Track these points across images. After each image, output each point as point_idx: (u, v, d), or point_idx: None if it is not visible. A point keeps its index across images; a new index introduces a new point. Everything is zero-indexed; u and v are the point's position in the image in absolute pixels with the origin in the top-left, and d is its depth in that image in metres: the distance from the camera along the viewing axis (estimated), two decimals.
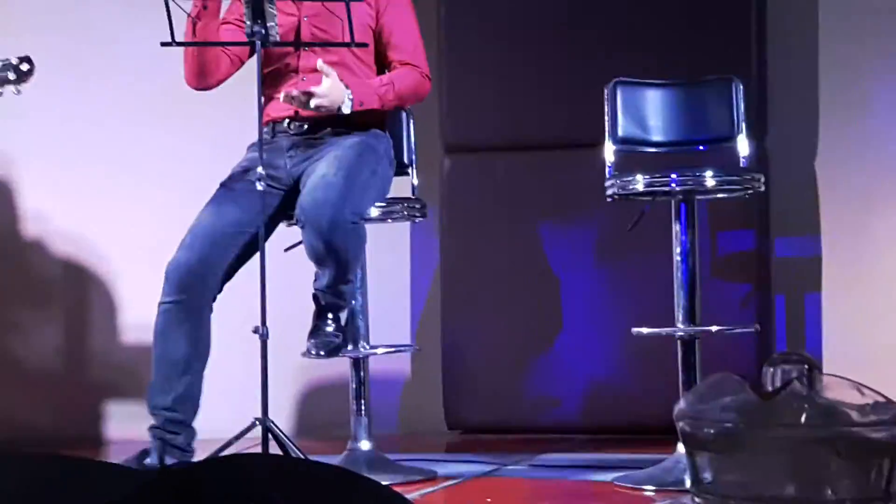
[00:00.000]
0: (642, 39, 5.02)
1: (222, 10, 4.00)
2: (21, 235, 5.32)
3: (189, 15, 3.83)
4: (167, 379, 3.82)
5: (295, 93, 3.78)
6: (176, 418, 3.81)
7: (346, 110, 3.84)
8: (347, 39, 3.75)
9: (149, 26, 3.86)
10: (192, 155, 5.09)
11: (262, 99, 3.87)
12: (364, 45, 3.92)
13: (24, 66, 3.84)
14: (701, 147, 4.39)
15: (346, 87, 3.84)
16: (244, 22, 3.74)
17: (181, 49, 3.88)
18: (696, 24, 5.06)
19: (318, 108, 3.81)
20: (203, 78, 4.04)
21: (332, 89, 3.79)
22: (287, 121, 4.04)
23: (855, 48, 5.15)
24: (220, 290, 3.91)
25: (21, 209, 5.34)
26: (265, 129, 3.88)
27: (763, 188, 4.14)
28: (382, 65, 4.13)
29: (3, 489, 1.52)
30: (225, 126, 4.60)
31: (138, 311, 4.89)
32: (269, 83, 3.98)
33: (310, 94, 3.75)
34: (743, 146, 4.20)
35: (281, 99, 3.85)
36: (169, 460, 3.75)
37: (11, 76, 3.83)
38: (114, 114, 5.34)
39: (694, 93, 4.40)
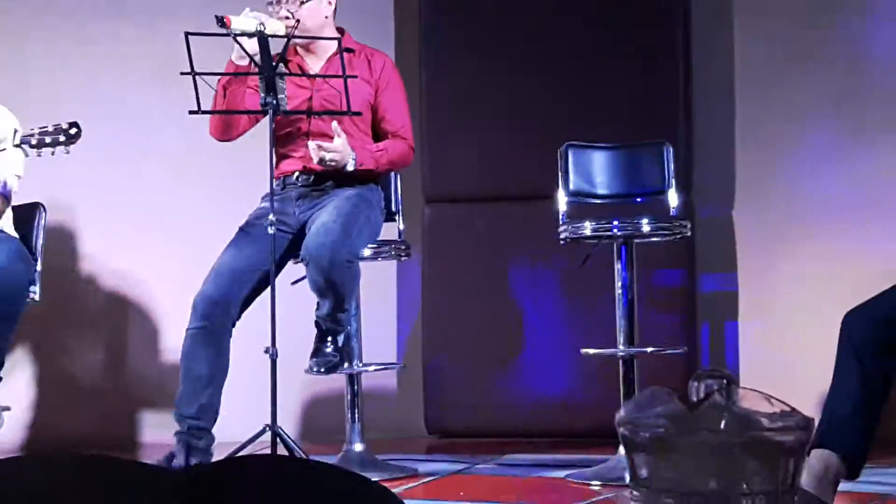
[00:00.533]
0: (592, 109, 5.06)
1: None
2: (74, 270, 5.35)
3: (219, 82, 3.99)
4: (192, 392, 3.91)
5: (314, 146, 3.90)
6: (199, 426, 3.90)
7: (350, 168, 3.96)
8: (352, 112, 3.91)
9: (181, 95, 3.88)
10: (215, 204, 5.13)
11: (274, 157, 3.98)
12: (359, 113, 4.01)
13: (73, 130, 3.97)
14: (638, 199, 4.52)
15: (352, 149, 3.97)
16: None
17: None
18: (635, 96, 5.12)
19: (329, 161, 3.93)
20: (226, 132, 4.16)
21: (342, 148, 3.92)
22: (296, 175, 4.14)
23: (768, 113, 5.28)
24: (238, 318, 3.98)
25: (75, 248, 5.38)
26: (276, 182, 3.99)
27: (689, 233, 4.31)
28: (377, 133, 4.24)
29: (55, 485, 1.51)
30: (243, 179, 4.56)
31: (170, 336, 5.10)
32: (281, 143, 4.10)
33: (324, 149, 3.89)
34: (672, 198, 4.37)
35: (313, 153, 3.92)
36: (193, 461, 3.85)
37: (62, 139, 3.95)
38: (152, 169, 5.41)
39: (632, 154, 4.54)
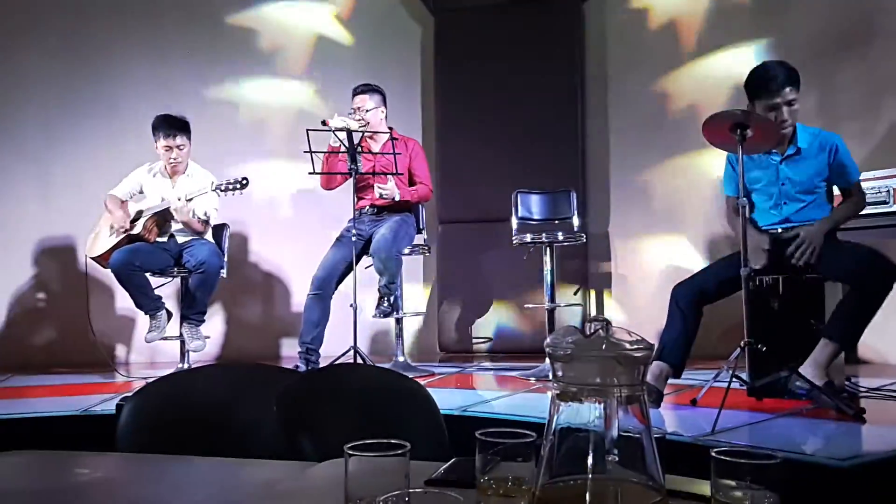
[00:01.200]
0: (532, 164, 4.90)
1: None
2: (244, 261, 5.25)
3: (324, 156, 3.98)
4: (308, 330, 3.91)
5: (378, 187, 3.93)
6: (312, 348, 3.89)
7: (396, 199, 3.97)
8: (397, 173, 3.95)
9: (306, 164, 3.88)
10: (324, 223, 4.72)
11: (356, 197, 3.98)
12: (401, 174, 4.03)
13: (244, 181, 3.91)
14: (556, 221, 4.44)
15: (397, 189, 3.99)
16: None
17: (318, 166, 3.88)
18: (555, 161, 4.95)
19: (384, 195, 3.96)
20: (328, 185, 4.13)
21: (392, 187, 3.94)
22: (367, 208, 4.12)
23: (629, 164, 5.08)
24: (336, 289, 3.98)
25: (244, 248, 5.28)
26: (356, 212, 3.99)
27: (584, 240, 4.25)
28: (412, 181, 4.17)
29: (234, 378, 1.44)
30: (338, 211, 4.24)
31: (298, 296, 4.95)
32: (359, 190, 4.07)
33: (384, 187, 3.93)
34: (575, 222, 4.36)
35: (375, 191, 3.96)
36: (310, 367, 3.81)
37: (238, 186, 3.90)
38: (288, 204, 5.34)
39: (553, 196, 4.47)
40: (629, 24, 5.18)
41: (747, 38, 4.80)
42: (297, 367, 3.89)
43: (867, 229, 3.54)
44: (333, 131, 3.84)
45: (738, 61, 4.66)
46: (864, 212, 3.19)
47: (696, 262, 4.66)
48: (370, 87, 4.19)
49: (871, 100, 4.39)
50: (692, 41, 5.00)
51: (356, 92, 4.17)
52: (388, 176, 4.04)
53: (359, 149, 3.89)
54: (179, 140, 4.11)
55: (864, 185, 3.17)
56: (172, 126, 4.11)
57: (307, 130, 3.72)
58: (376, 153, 4.14)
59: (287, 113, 5.38)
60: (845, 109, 4.43)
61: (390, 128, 4.22)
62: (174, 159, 4.13)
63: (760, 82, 2.94)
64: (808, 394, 2.68)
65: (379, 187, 3.95)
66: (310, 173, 3.87)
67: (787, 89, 2.89)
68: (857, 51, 4.44)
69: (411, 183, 4.21)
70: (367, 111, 4.09)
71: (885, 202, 3.64)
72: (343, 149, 3.88)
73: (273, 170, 5.28)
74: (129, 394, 1.36)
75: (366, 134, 4.01)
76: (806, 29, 4.59)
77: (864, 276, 2.68)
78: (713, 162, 3.69)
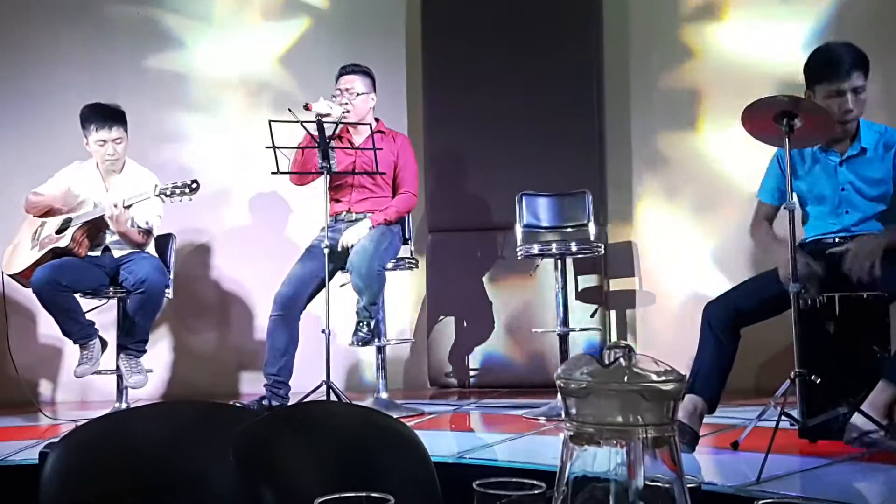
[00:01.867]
0: (539, 166, 4.87)
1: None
2: (194, 277, 5.21)
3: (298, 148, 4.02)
4: (274, 359, 3.93)
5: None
6: (279, 381, 3.91)
7: (368, 226, 4.02)
8: (378, 172, 3.97)
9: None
10: (290, 233, 5.08)
11: (330, 201, 4.04)
12: (383, 173, 4.05)
13: (194, 185, 3.90)
14: (569, 229, 4.51)
15: (365, 214, 4.08)
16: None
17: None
18: (567, 159, 4.90)
19: (347, 244, 3.98)
20: (301, 181, 4.17)
21: (355, 230, 4.00)
22: (344, 213, 4.16)
23: (658, 166, 5.07)
24: (304, 308, 4.01)
25: (194, 262, 5.24)
26: (330, 219, 4.04)
27: (602, 252, 4.24)
28: (395, 185, 4.21)
29: (181, 421, 1.40)
30: (308, 215, 4.51)
31: (259, 320, 5.07)
32: (333, 190, 4.13)
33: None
34: (591, 230, 4.41)
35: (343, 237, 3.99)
36: (275, 404, 3.84)
37: (187, 191, 3.90)
38: (246, 208, 5.32)
39: (565, 199, 4.53)
40: (655, 8, 5.20)
41: (797, 29, 4.81)
42: (261, 400, 3.92)
43: None
44: (303, 124, 3.84)
45: (785, 56, 4.67)
46: None
47: (734, 277, 4.64)
48: (361, 67, 4.20)
49: None
50: (730, 30, 5.02)
51: (345, 71, 4.19)
52: (367, 182, 4.09)
53: (331, 143, 3.90)
54: (115, 132, 4.11)
55: None
56: (106, 116, 4.11)
57: (269, 122, 3.74)
58: (357, 147, 4.14)
59: (244, 86, 5.40)
60: None
61: (377, 119, 4.24)
62: (110, 156, 4.13)
63: (823, 65, 2.97)
64: (870, 437, 2.68)
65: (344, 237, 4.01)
66: (273, 173, 3.86)
67: (855, 74, 2.91)
68: None
69: (394, 186, 4.23)
70: (358, 95, 4.11)
71: None
72: (315, 141, 3.89)
73: (228, 165, 5.26)
74: (56, 439, 1.32)
75: (346, 124, 4.04)
76: (868, 11, 4.62)
77: None
78: (755, 162, 3.69)
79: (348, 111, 4.00)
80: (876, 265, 2.80)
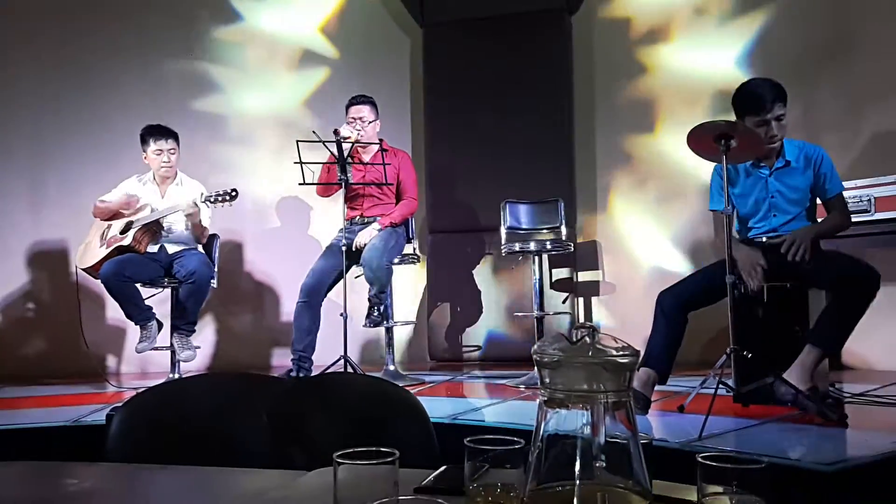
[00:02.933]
0: (520, 178, 4.85)
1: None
2: (235, 270, 5.21)
3: (324, 165, 4.03)
4: (300, 338, 3.91)
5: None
6: (304, 356, 3.90)
7: (377, 227, 4.01)
8: (387, 183, 4.00)
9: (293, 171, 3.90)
10: (312, 234, 5.11)
11: (346, 208, 4.05)
12: (391, 184, 4.07)
13: (234, 192, 3.92)
14: (545, 231, 4.47)
15: (377, 217, 4.05)
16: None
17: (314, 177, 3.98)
18: (544, 171, 4.89)
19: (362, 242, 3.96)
20: (326, 192, 4.14)
21: (368, 232, 3.98)
22: (357, 217, 4.13)
23: (617, 184, 5.09)
24: (325, 296, 3.99)
25: (235, 258, 5.25)
26: (346, 221, 4.04)
27: (572, 249, 4.30)
28: (399, 193, 4.18)
29: (224, 388, 1.41)
30: (329, 220, 4.53)
31: (287, 305, 4.99)
32: (349, 199, 4.11)
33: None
34: (563, 231, 4.39)
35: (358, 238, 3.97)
36: (301, 375, 3.81)
37: (227, 198, 3.91)
38: (276, 213, 5.32)
39: (541, 205, 4.49)
40: (615, 36, 5.18)
41: (730, 49, 4.83)
42: (289, 372, 3.90)
43: (850, 237, 3.57)
44: (325, 143, 3.83)
45: (721, 71, 4.75)
46: None
47: (682, 269, 4.67)
48: (367, 98, 4.21)
49: (851, 110, 4.44)
50: (676, 51, 5.03)
51: (355, 101, 4.18)
52: (375, 191, 4.10)
53: (349, 160, 3.90)
54: (170, 144, 4.14)
55: (846, 194, 3.18)
56: (163, 131, 4.14)
57: (297, 142, 3.75)
58: (366, 163, 4.14)
59: (276, 124, 5.36)
60: (827, 120, 4.47)
61: (380, 139, 4.22)
62: (165, 163, 4.13)
63: (748, 100, 2.97)
64: (793, 400, 2.68)
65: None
66: (300, 184, 3.87)
67: (776, 105, 2.92)
68: (838, 61, 4.49)
69: (398, 194, 4.23)
70: (369, 122, 4.12)
71: (866, 210, 3.69)
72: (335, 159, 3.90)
73: (262, 180, 5.28)
74: (119, 404, 1.34)
75: (358, 145, 4.03)
76: (787, 41, 4.64)
77: (847, 284, 2.70)
78: (699, 171, 3.69)
79: (361, 135, 4.02)
80: (808, 249, 2.81)
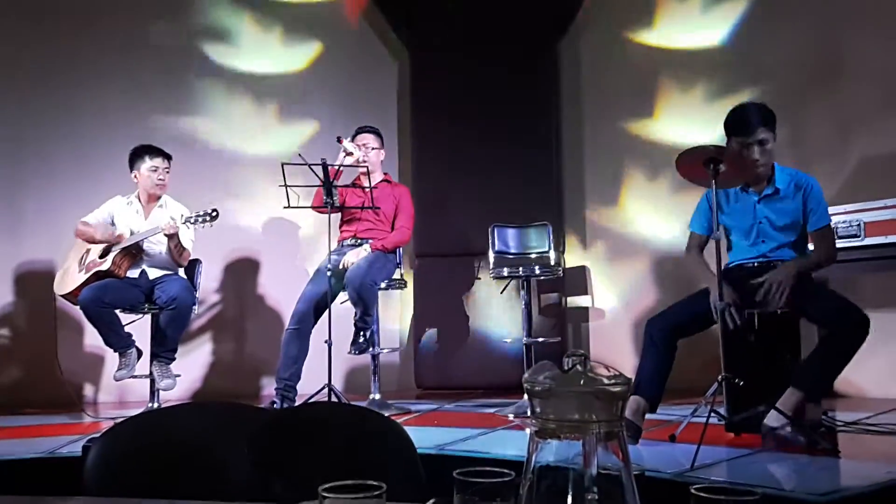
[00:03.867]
0: (507, 200, 4.92)
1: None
2: (221, 296, 5.18)
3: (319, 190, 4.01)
4: (287, 366, 3.89)
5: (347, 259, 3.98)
6: (290, 385, 3.88)
7: (368, 250, 4.03)
8: (374, 207, 3.99)
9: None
10: (298, 260, 5.06)
11: (340, 230, 4.17)
12: (378, 208, 4.05)
13: (214, 213, 3.89)
14: (533, 255, 4.50)
15: (369, 239, 4.08)
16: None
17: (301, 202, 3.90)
18: (532, 196, 4.98)
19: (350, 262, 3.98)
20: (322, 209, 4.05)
21: (357, 253, 4.01)
22: (349, 239, 4.17)
23: (604, 209, 5.18)
24: (315, 323, 3.97)
25: (219, 283, 5.21)
26: (338, 243, 4.12)
27: (561, 274, 4.35)
28: (394, 225, 4.22)
29: (202, 419, 1.39)
30: (316, 246, 4.47)
31: (272, 333, 4.87)
32: (344, 222, 4.18)
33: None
34: (552, 256, 4.44)
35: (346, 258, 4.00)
36: (286, 405, 3.80)
37: (208, 219, 3.89)
38: (262, 235, 5.22)
39: (530, 230, 4.53)
40: (604, 62, 5.27)
41: (721, 77, 4.91)
42: (273, 403, 3.87)
43: (839, 263, 3.59)
44: (310, 167, 3.86)
45: (712, 98, 4.82)
46: (837, 245, 3.21)
47: (672, 295, 4.66)
48: (374, 129, 4.34)
49: (840, 136, 4.50)
50: (667, 78, 5.11)
51: (362, 130, 4.33)
52: (371, 216, 4.14)
53: (335, 183, 3.93)
54: (165, 163, 4.16)
55: (835, 219, 3.21)
56: (158, 150, 4.17)
57: (282, 164, 3.76)
58: (366, 188, 4.15)
59: (262, 147, 5.35)
60: (816, 145, 4.53)
61: (385, 172, 4.33)
62: (160, 180, 4.14)
63: (736, 121, 3.01)
64: (776, 436, 2.68)
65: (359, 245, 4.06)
66: (285, 207, 3.86)
67: (761, 129, 2.95)
68: (826, 88, 4.56)
69: (393, 223, 4.27)
70: (372, 149, 4.25)
71: (856, 235, 3.72)
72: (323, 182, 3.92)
73: (247, 203, 5.25)
74: (97, 435, 1.32)
75: (362, 172, 4.16)
76: (778, 68, 4.71)
77: (836, 329, 2.70)
78: (687, 196, 3.72)
79: (365, 161, 4.11)
80: (786, 292, 2.81)
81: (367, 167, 4.14)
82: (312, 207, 4.15)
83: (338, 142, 4.00)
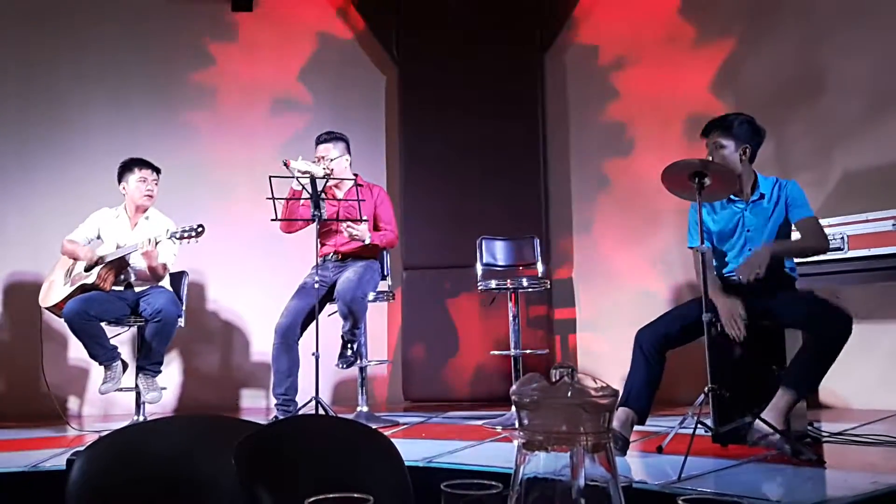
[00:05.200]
0: (494, 213, 4.99)
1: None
2: (203, 309, 5.18)
3: (285, 202, 4.00)
4: (280, 381, 3.87)
5: (345, 226, 3.93)
6: (287, 399, 3.85)
7: (367, 241, 3.99)
8: (361, 219, 3.96)
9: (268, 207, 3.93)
10: (288, 271, 4.86)
11: (319, 244, 3.97)
12: (366, 220, 4.00)
13: (200, 229, 3.83)
14: (521, 267, 4.49)
15: (368, 232, 4.01)
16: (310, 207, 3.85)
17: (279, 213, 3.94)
18: (519, 208, 5.05)
19: (355, 236, 3.94)
20: (288, 229, 4.12)
21: (363, 229, 3.95)
22: (331, 254, 4.13)
23: (592, 220, 5.21)
24: (300, 336, 3.94)
25: (203, 296, 5.20)
26: (320, 259, 4.00)
27: (549, 286, 4.28)
28: (377, 227, 4.16)
29: (188, 432, 1.37)
30: (301, 256, 4.33)
31: (258, 345, 5.05)
32: (322, 236, 4.08)
33: (355, 228, 3.92)
34: (539, 268, 4.40)
35: (345, 231, 3.95)
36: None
37: (193, 234, 3.83)
38: (248, 251, 5.14)
39: (517, 243, 4.50)
40: (589, 73, 5.31)
41: (705, 86, 4.95)
42: (275, 418, 3.80)
43: (823, 275, 3.62)
44: (296, 177, 3.85)
45: (697, 108, 4.82)
46: (819, 258, 3.24)
47: (659, 307, 4.68)
48: (333, 135, 4.22)
49: (823, 149, 4.53)
50: (652, 88, 5.13)
51: (319, 141, 4.21)
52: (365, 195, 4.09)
53: (322, 195, 3.88)
54: (154, 175, 4.17)
55: None
56: (148, 163, 4.18)
57: (270, 177, 3.73)
58: (340, 199, 4.14)
59: (249, 161, 5.34)
60: (798, 158, 4.57)
61: (355, 174, 4.23)
62: (148, 191, 4.15)
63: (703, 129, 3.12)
64: (766, 442, 2.69)
65: (349, 227, 3.94)
66: (272, 220, 3.86)
67: (714, 133, 3.04)
68: (808, 102, 4.60)
69: (376, 229, 4.22)
70: (332, 160, 4.12)
71: (839, 248, 3.75)
72: (306, 195, 3.88)
73: (233, 216, 5.24)
74: (81, 448, 1.30)
75: (332, 180, 4.04)
76: (760, 80, 4.76)
77: (818, 326, 2.72)
78: (674, 207, 3.75)
79: (329, 173, 4.00)
80: (761, 270, 2.81)
81: (332, 177, 4.07)
82: (288, 220, 4.07)
83: (284, 165, 3.79)
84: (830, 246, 3.69)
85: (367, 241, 3.99)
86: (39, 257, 4.48)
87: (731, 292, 2.97)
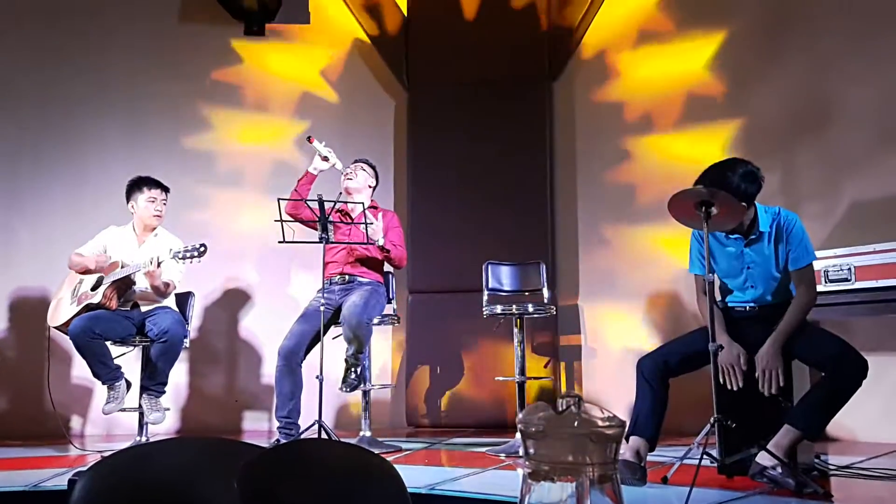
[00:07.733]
0: (500, 238, 4.99)
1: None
2: (209, 329, 5.16)
3: (297, 183, 4.02)
4: (283, 404, 3.83)
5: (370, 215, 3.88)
6: (290, 422, 3.81)
7: (381, 243, 3.93)
8: (369, 242, 3.93)
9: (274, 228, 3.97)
10: (288, 295, 5.04)
11: (325, 266, 3.91)
12: (374, 243, 3.94)
13: (202, 248, 3.81)
14: (526, 293, 4.47)
15: (384, 234, 3.97)
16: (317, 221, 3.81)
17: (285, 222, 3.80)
18: (525, 234, 5.06)
19: (370, 233, 3.88)
20: (295, 211, 4.01)
21: (379, 229, 3.92)
22: (337, 276, 4.09)
23: (598, 247, 5.17)
24: (304, 359, 3.91)
25: (210, 317, 5.18)
26: (326, 281, 3.97)
27: (554, 312, 4.22)
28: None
29: (191, 454, 1.34)
30: (307, 279, 4.46)
31: (263, 367, 5.08)
32: (329, 257, 4.06)
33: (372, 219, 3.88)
34: (545, 294, 4.40)
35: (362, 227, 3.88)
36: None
37: (196, 254, 3.81)
38: (254, 271, 5.22)
39: (523, 268, 4.52)
40: (598, 103, 5.33)
41: (713, 121, 4.94)
42: (277, 441, 3.79)
43: (831, 306, 3.59)
44: (318, 154, 3.96)
45: (703, 144, 4.84)
46: (827, 289, 3.20)
47: (665, 335, 4.68)
48: (369, 162, 4.32)
49: (830, 180, 4.51)
50: (659, 120, 5.15)
51: (355, 161, 4.29)
52: (358, 253, 4.06)
53: (330, 217, 3.87)
54: (163, 195, 4.20)
55: (825, 263, 3.19)
56: (157, 182, 4.20)
57: (279, 199, 3.75)
58: (351, 222, 4.14)
59: (258, 183, 5.37)
60: (806, 189, 4.55)
61: (373, 199, 4.27)
62: (158, 211, 4.17)
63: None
64: (763, 476, 2.65)
65: (368, 224, 3.91)
66: (280, 242, 3.81)
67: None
68: (816, 132, 4.59)
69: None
70: (363, 169, 4.22)
71: (846, 279, 3.73)
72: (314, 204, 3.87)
73: (241, 237, 5.25)
74: (83, 468, 1.29)
75: (342, 204, 4.08)
76: (769, 114, 4.75)
77: (839, 369, 2.68)
78: (680, 237, 3.75)
79: (347, 173, 4.06)
80: (777, 376, 2.79)
81: (350, 198, 4.07)
82: (295, 242, 3.95)
83: (308, 141, 3.93)
84: (837, 277, 3.68)
85: (381, 243, 3.97)
86: (49, 274, 4.50)
87: (740, 328, 2.94)
